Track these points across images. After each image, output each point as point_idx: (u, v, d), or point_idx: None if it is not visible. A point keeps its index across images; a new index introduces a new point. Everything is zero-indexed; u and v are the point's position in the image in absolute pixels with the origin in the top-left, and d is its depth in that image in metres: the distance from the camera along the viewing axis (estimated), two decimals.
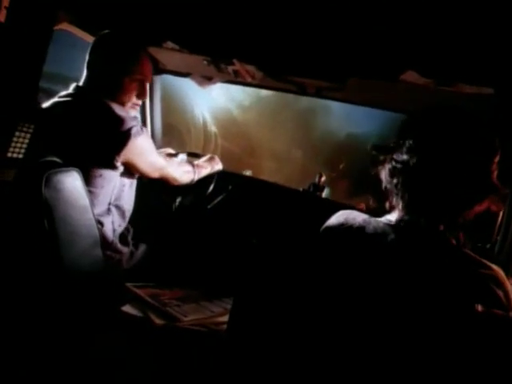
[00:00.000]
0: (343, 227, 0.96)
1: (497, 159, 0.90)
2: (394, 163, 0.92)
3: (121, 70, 1.56)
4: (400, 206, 0.93)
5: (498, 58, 1.15)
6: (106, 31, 1.59)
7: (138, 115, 1.99)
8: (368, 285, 0.82)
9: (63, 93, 1.58)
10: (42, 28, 1.22)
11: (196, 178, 1.88)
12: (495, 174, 0.90)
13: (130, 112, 1.62)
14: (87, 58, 1.58)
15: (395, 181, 0.93)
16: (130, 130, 1.48)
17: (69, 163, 1.37)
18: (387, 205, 0.97)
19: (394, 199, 0.95)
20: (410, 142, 0.91)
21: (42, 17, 1.24)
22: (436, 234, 0.88)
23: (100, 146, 1.46)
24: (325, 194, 2.13)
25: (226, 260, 1.72)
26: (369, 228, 0.92)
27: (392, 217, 0.94)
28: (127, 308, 1.48)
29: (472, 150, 0.88)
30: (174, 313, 1.50)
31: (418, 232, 0.89)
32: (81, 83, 1.60)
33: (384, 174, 0.97)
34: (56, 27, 1.54)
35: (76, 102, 1.54)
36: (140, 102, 1.70)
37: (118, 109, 1.53)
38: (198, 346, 1.34)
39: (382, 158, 0.97)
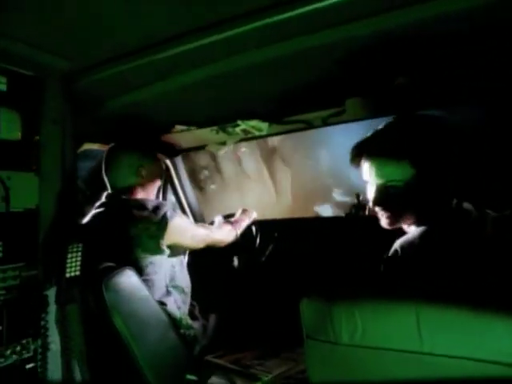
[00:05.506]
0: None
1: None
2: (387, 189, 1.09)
3: (131, 172, 1.72)
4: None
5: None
6: (112, 144, 1.80)
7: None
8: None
9: (97, 203, 1.74)
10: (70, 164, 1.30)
11: (239, 232, 1.97)
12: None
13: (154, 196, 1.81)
14: (103, 167, 1.77)
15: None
16: (165, 215, 1.60)
17: (121, 262, 1.49)
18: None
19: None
20: None
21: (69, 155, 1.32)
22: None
23: (143, 237, 1.58)
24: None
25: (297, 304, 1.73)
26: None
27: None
28: (213, 380, 1.53)
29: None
30: (258, 373, 1.52)
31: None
32: (109, 189, 1.76)
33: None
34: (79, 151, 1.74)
35: (110, 209, 1.69)
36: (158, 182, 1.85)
37: (146, 201, 1.67)
38: None
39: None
